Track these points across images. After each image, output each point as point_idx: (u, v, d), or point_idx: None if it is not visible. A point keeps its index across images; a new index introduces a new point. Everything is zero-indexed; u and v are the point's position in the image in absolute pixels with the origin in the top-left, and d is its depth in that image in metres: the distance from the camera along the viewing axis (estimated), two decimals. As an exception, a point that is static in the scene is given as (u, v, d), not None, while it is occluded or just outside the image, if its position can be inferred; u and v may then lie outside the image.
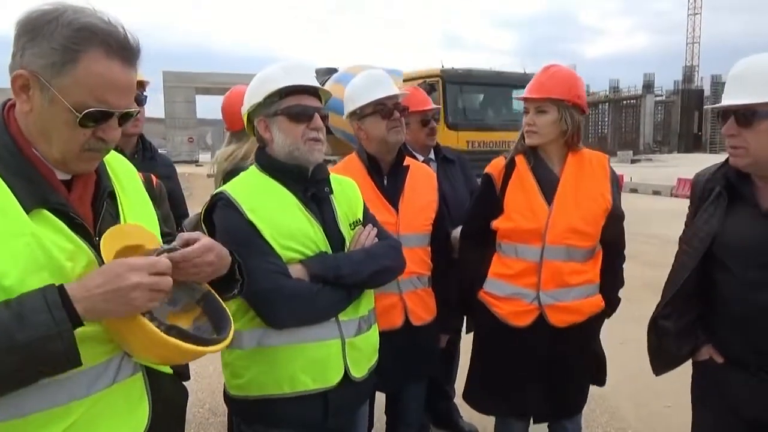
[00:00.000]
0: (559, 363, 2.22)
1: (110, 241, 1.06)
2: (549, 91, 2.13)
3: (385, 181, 2.27)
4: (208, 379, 4.08)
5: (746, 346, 1.71)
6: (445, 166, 2.98)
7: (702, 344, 1.85)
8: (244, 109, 1.79)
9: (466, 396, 2.44)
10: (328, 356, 1.68)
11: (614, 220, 2.21)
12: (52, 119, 1.05)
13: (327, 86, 2.68)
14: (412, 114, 2.85)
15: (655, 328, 1.92)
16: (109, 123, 1.09)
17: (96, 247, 1.08)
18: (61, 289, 0.98)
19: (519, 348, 2.22)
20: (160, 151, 3.02)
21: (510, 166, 2.26)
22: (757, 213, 1.68)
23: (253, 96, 1.74)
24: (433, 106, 3.03)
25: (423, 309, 2.26)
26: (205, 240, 1.21)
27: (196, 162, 33.26)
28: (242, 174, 1.80)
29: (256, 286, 1.54)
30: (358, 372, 1.75)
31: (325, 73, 13.40)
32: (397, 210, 2.22)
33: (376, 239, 1.82)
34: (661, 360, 1.96)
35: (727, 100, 1.67)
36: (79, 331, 0.99)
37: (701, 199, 1.84)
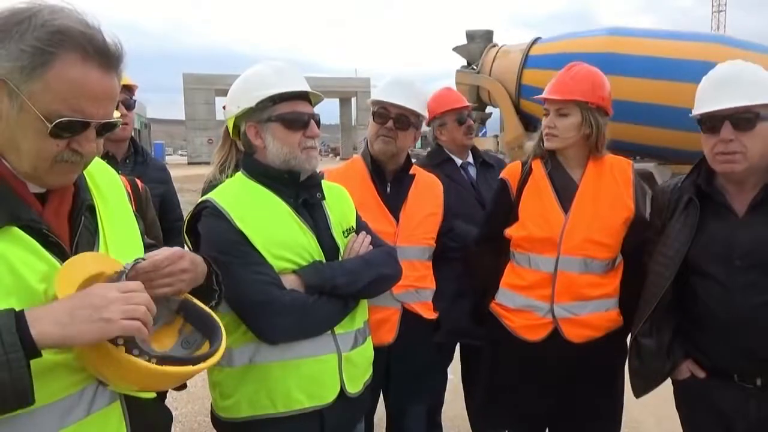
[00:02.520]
0: (581, 385, 2.08)
1: (67, 276, 0.96)
2: (572, 93, 2.02)
3: (388, 189, 2.18)
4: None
5: (734, 354, 1.68)
6: (485, 171, 2.88)
7: (680, 361, 1.81)
8: (230, 113, 1.68)
9: (475, 414, 2.35)
10: (324, 372, 1.60)
11: (637, 228, 2.08)
12: (21, 128, 0.95)
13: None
14: (447, 113, 2.77)
15: (636, 347, 1.86)
16: (85, 134, 1.00)
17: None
18: (19, 313, 0.87)
19: (532, 364, 2.10)
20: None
21: (526, 172, 2.18)
22: (732, 218, 1.70)
23: (241, 100, 1.64)
24: (467, 103, 2.93)
25: (420, 325, 2.16)
26: (173, 248, 1.13)
27: (216, 163, 33.45)
28: (228, 181, 1.73)
29: (246, 298, 1.47)
30: (354, 388, 1.67)
31: (484, 39, 11.54)
32: (397, 220, 2.12)
33: (371, 247, 1.74)
34: (644, 380, 1.91)
35: (719, 104, 1.60)
36: (48, 359, 0.90)
37: (668, 209, 1.82)
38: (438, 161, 2.87)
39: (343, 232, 1.74)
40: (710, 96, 1.66)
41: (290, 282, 1.56)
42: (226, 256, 1.51)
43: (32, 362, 0.88)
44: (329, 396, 1.61)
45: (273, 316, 1.52)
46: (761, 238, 1.63)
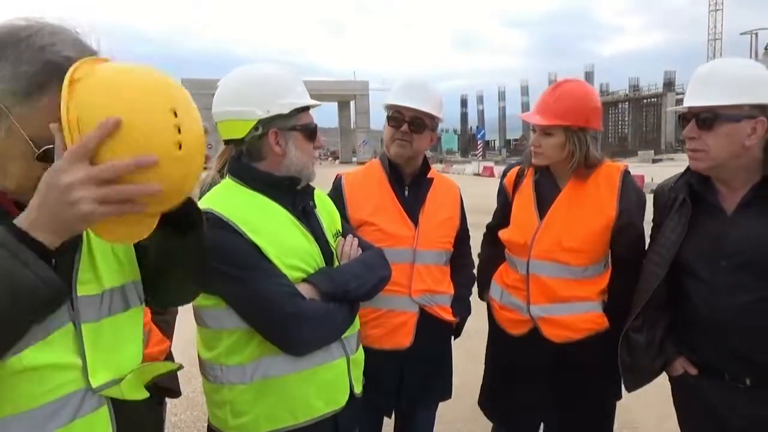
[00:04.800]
0: (562, 384, 2.14)
1: None
2: (555, 117, 2.05)
3: (406, 192, 2.18)
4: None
5: (721, 354, 1.70)
6: None
7: (673, 358, 1.84)
8: (253, 116, 1.57)
9: (480, 402, 2.42)
10: (337, 377, 1.62)
11: (622, 233, 2.05)
12: (8, 149, 0.94)
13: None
14: None
15: (626, 342, 1.90)
16: None
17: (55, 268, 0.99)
18: (10, 225, 0.85)
19: (519, 358, 2.19)
20: None
21: (521, 178, 2.28)
22: (722, 217, 1.71)
23: (270, 104, 1.56)
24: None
25: (436, 329, 2.16)
26: None
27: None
28: (219, 188, 1.65)
29: (276, 312, 1.46)
30: (359, 388, 1.70)
31: None
32: (416, 224, 2.12)
33: (360, 249, 1.75)
34: (634, 375, 1.94)
35: (689, 102, 1.68)
36: (33, 361, 0.91)
37: (666, 208, 1.85)
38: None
39: (333, 236, 1.76)
40: (686, 94, 1.73)
41: (306, 290, 1.54)
42: (242, 270, 1.47)
43: (16, 363, 0.90)
44: (342, 399, 1.63)
45: (302, 326, 1.50)
46: (747, 239, 1.64)
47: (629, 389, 1.98)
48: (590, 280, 2.10)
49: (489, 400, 2.37)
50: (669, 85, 75.48)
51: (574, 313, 2.08)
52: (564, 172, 2.14)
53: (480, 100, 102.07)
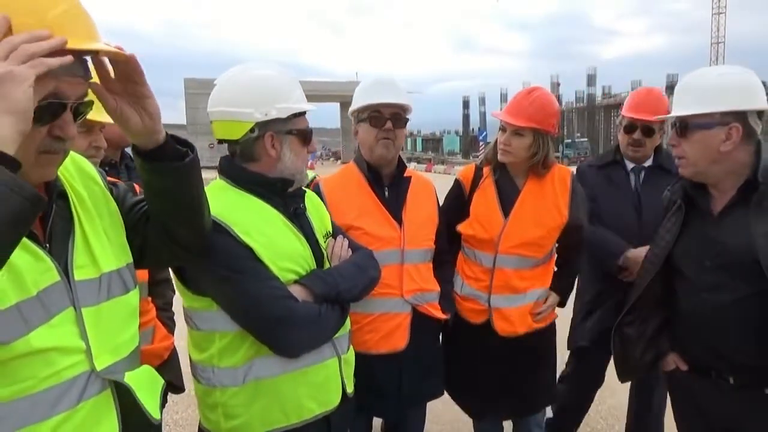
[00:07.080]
0: (514, 366, 2.37)
1: None
2: (529, 119, 2.25)
3: (386, 193, 2.17)
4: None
5: (705, 352, 1.76)
6: (657, 176, 2.58)
7: (666, 353, 1.92)
8: (251, 118, 1.55)
9: (448, 389, 2.47)
10: (329, 377, 1.62)
11: (572, 231, 2.36)
12: None
13: None
14: (624, 116, 2.67)
15: (619, 334, 1.99)
16: (64, 117, 0.97)
17: (50, 252, 1.01)
18: None
19: (477, 344, 2.36)
20: None
21: (478, 175, 2.43)
22: (709, 219, 1.78)
23: (264, 106, 1.55)
24: (655, 117, 2.51)
25: (428, 327, 2.17)
26: None
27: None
28: (211, 189, 1.60)
29: (266, 314, 1.47)
30: (350, 387, 1.71)
31: None
32: (400, 224, 2.11)
33: (350, 250, 1.76)
34: (626, 367, 2.04)
35: (672, 112, 1.79)
36: (40, 343, 0.93)
37: (666, 211, 1.95)
38: (602, 162, 2.80)
39: (323, 237, 1.76)
40: (673, 105, 1.82)
41: (299, 293, 1.55)
42: (235, 273, 1.47)
43: (23, 346, 0.92)
44: (335, 399, 1.63)
45: (295, 329, 1.51)
46: (729, 239, 1.69)
47: (621, 380, 2.08)
48: (541, 269, 2.37)
49: (457, 387, 2.47)
50: (671, 87, 75.33)
51: (527, 302, 2.32)
52: (521, 171, 2.36)
53: (482, 101, 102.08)
